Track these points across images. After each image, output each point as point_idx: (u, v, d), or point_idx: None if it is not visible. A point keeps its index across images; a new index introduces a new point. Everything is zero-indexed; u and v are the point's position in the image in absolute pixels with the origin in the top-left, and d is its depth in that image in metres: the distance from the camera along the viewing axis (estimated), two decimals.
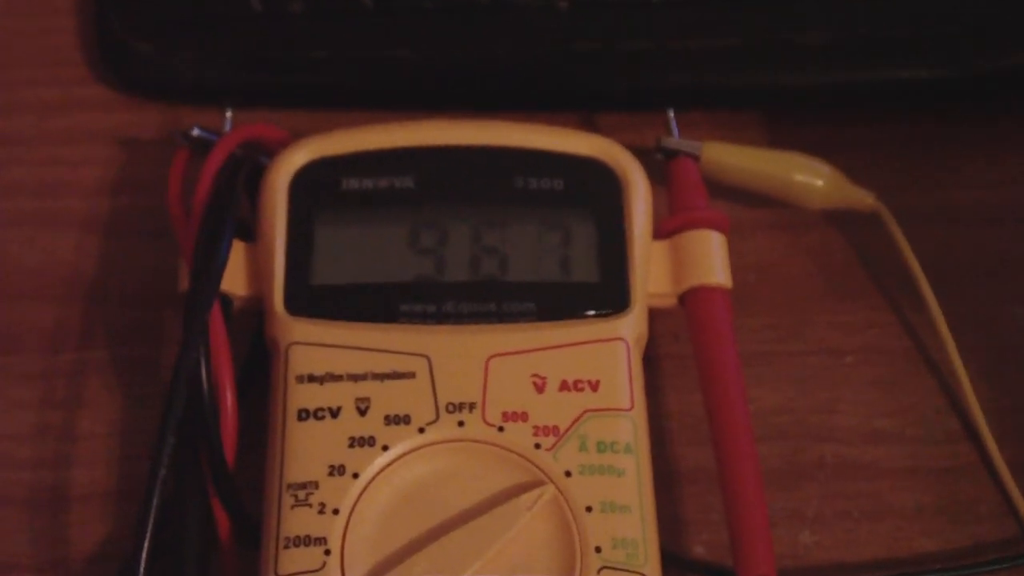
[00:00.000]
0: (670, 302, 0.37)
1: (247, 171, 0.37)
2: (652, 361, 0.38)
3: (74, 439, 0.37)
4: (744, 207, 0.40)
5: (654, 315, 0.37)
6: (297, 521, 0.31)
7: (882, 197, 0.40)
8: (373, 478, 0.32)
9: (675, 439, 0.37)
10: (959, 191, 0.42)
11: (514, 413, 0.33)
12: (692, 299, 0.36)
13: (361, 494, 0.32)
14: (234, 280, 0.35)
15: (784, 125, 0.42)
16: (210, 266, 0.34)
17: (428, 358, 0.33)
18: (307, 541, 0.31)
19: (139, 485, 0.33)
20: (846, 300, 0.40)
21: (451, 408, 0.33)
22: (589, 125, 0.42)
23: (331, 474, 0.32)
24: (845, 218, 0.40)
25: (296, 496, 0.32)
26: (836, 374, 0.38)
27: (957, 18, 0.42)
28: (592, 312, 0.35)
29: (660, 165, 0.39)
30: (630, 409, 0.33)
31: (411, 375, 0.33)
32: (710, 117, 0.42)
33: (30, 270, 0.40)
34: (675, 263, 0.36)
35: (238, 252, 0.36)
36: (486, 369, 0.33)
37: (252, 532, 0.33)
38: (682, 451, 0.37)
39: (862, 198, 0.40)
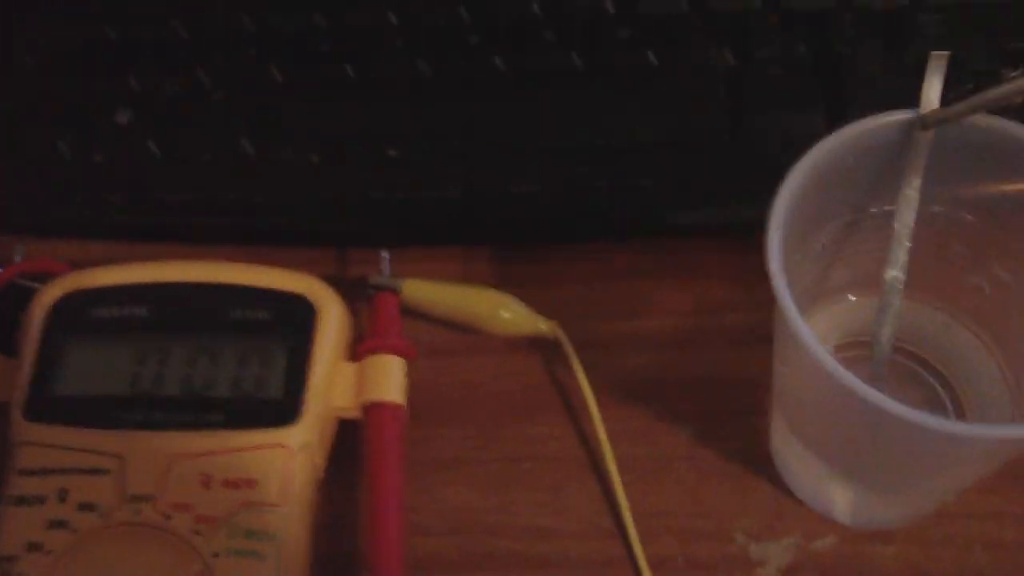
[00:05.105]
0: (356, 414, 0.44)
1: (21, 298, 0.45)
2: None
3: None
4: (458, 333, 0.47)
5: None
6: None
7: (568, 326, 0.46)
8: (63, 555, 0.40)
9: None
10: (642, 320, 0.48)
11: (183, 504, 0.40)
12: (369, 412, 0.43)
13: (53, 567, 0.39)
14: None
15: (513, 261, 0.49)
16: None
17: (123, 458, 0.41)
18: None
19: None
20: (536, 415, 0.46)
21: (133, 499, 0.40)
22: (342, 259, 0.49)
23: (30, 550, 0.40)
24: (543, 344, 0.47)
25: (2, 569, 0.39)
26: (512, 479, 0.45)
27: (646, 168, 0.47)
28: (265, 423, 0.42)
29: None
30: (280, 505, 0.40)
31: (106, 471, 0.41)
32: (443, 252, 0.49)
33: None
34: (359, 382, 0.44)
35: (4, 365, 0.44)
36: (168, 468, 0.41)
37: None
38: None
39: (542, 326, 0.46)
